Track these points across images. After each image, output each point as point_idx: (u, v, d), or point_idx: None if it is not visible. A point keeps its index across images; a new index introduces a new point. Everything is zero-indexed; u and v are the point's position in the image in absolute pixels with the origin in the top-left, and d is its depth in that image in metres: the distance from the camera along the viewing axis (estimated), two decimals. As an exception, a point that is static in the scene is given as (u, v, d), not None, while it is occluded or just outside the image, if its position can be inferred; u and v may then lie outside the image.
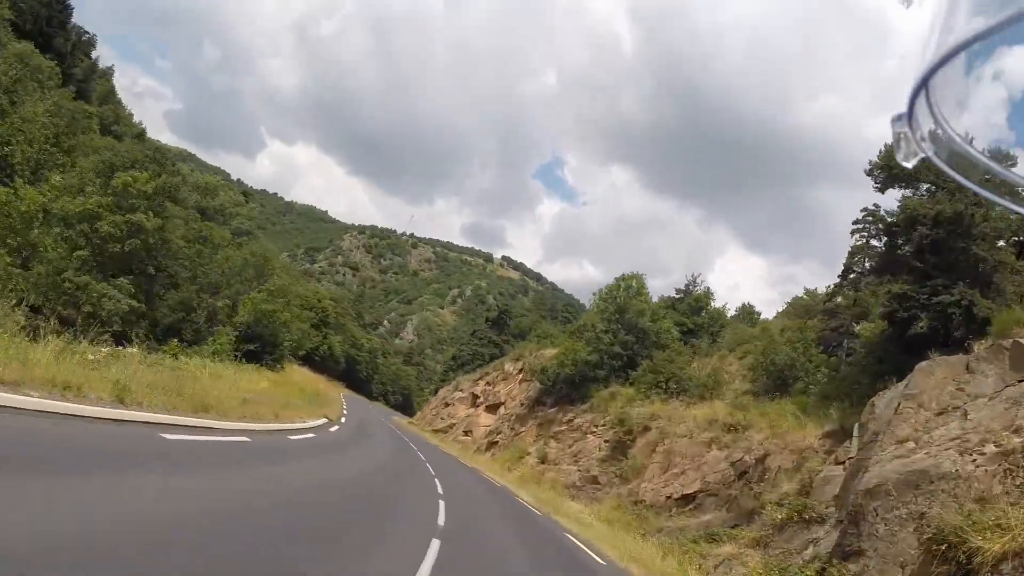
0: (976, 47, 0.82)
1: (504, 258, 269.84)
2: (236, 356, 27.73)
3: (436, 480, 16.45)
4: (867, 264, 36.11)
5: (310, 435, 15.76)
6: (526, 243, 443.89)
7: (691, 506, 22.75)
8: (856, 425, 18.30)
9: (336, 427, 22.58)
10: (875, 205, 36.08)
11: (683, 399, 30.02)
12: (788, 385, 27.71)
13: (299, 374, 39.15)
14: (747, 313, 50.70)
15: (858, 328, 31.20)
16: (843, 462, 18.24)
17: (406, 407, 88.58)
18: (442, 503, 11.91)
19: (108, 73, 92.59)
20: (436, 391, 69.21)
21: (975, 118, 1.05)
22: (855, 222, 35.87)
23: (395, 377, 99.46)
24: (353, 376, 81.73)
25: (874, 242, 36.42)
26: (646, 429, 27.82)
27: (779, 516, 17.48)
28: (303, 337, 55.14)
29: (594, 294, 41.80)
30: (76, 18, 76.37)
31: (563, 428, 33.40)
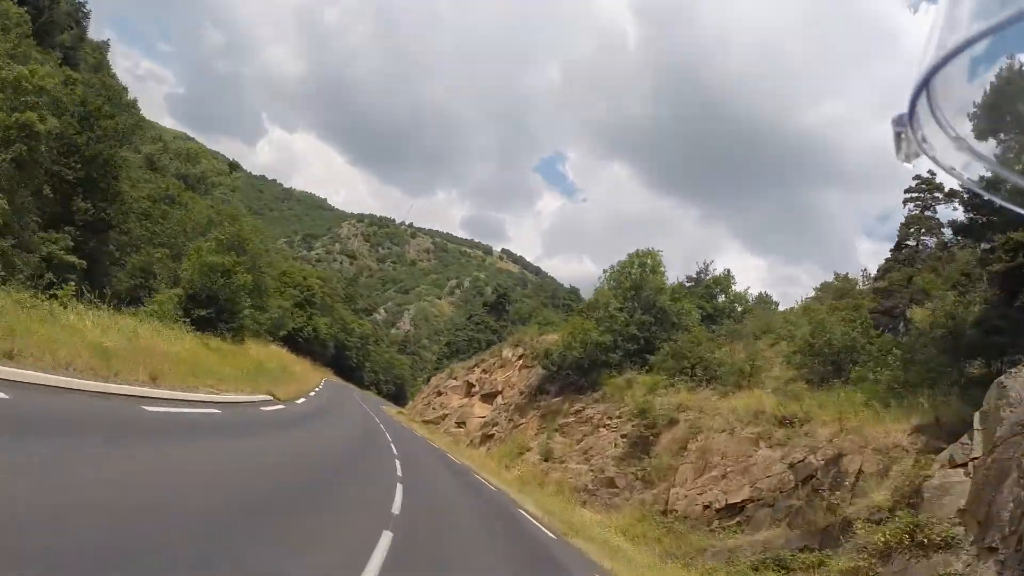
0: (979, 54, 0.84)
1: (503, 251, 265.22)
2: (185, 321, 22.88)
3: (399, 487, 11.16)
4: (923, 235, 31.67)
5: (209, 411, 10.91)
6: (526, 237, 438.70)
7: (738, 519, 17.98)
8: (976, 415, 13.61)
9: (280, 406, 17.71)
10: (930, 172, 31.47)
11: (714, 387, 25.30)
12: (843, 371, 23.18)
13: (269, 351, 34.28)
14: (763, 302, 46.58)
15: (909, 313, 27.08)
16: (963, 464, 13.56)
17: (399, 397, 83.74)
18: (384, 539, 6.54)
19: (103, 47, 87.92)
20: (428, 379, 64.43)
21: (986, 124, 1.04)
22: (907, 190, 31.29)
23: (388, 365, 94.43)
24: (343, 362, 76.85)
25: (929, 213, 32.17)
26: (672, 422, 23.06)
27: (880, 538, 12.79)
28: (284, 315, 50.47)
29: (605, 271, 36.96)
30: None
31: (570, 420, 28.62)
